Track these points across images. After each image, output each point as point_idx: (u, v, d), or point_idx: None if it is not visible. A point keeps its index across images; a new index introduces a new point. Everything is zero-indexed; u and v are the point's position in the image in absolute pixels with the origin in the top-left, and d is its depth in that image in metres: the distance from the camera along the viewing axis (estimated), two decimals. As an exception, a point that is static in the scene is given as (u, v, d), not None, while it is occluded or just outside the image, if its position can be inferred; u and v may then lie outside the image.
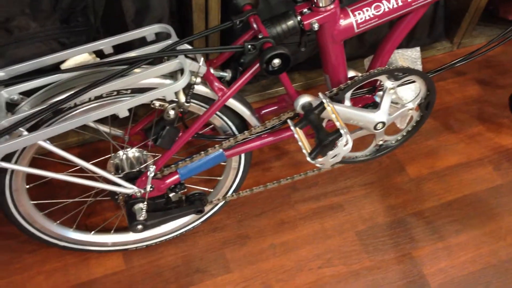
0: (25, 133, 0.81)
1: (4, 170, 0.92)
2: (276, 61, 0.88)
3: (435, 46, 1.78)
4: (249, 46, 0.90)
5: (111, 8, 1.11)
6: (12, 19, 1.05)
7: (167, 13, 1.20)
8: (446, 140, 1.54)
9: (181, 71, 0.88)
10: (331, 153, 0.88)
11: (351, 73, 1.14)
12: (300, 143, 0.93)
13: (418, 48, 1.34)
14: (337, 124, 0.90)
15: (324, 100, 0.93)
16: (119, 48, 0.94)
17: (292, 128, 0.95)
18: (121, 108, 0.84)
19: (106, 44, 0.93)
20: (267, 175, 1.41)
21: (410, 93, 1.20)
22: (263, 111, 1.13)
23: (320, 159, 0.90)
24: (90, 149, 1.38)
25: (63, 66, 0.90)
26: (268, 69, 0.89)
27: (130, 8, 1.14)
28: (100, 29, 1.13)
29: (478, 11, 1.68)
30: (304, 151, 0.91)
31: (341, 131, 0.89)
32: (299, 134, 0.94)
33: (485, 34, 1.84)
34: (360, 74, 1.14)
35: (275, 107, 1.14)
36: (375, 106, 1.13)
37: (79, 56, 0.91)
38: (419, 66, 1.33)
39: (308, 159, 0.89)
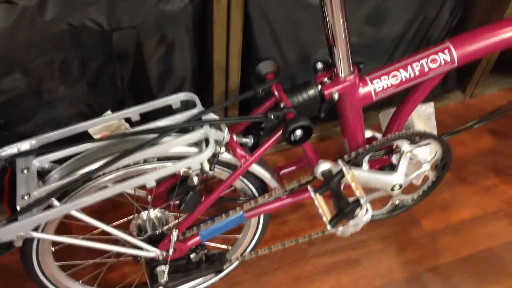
0: (57, 203, 0.84)
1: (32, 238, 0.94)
2: (299, 132, 0.91)
3: (448, 96, 1.81)
4: (272, 117, 0.93)
5: (136, 71, 1.16)
6: (42, 82, 1.09)
7: (190, 74, 1.24)
8: (460, 193, 1.55)
9: (206, 140, 0.91)
10: (351, 223, 0.90)
11: (368, 133, 1.17)
12: (320, 210, 0.95)
13: (432, 104, 1.37)
14: (357, 193, 0.92)
15: (343, 169, 0.96)
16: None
17: (312, 195, 0.98)
18: (150, 179, 0.87)
19: (133, 112, 0.96)
20: (283, 229, 1.42)
21: (427, 151, 1.22)
22: (282, 172, 1.15)
23: (340, 228, 0.92)
24: (110, 204, 1.40)
25: (92, 131, 0.93)
26: (291, 139, 0.92)
27: (154, 71, 1.18)
28: (125, 91, 1.18)
29: (489, 63, 1.72)
30: (324, 219, 0.93)
31: (361, 201, 0.91)
32: (319, 200, 0.96)
33: (497, 84, 1.88)
34: (377, 134, 1.18)
35: (294, 167, 1.17)
36: (392, 167, 1.15)
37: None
38: (433, 122, 1.36)
39: (329, 227, 0.91)
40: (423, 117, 1.36)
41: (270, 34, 1.29)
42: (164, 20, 1.10)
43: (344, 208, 0.91)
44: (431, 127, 1.32)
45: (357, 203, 0.91)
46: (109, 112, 1.01)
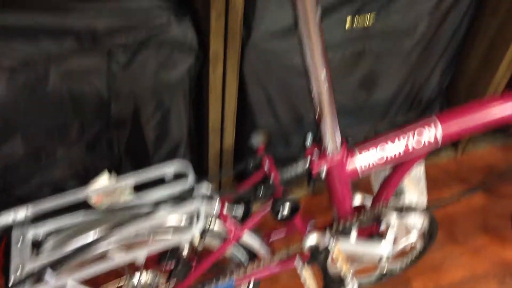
0: (50, 277, 0.86)
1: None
2: (286, 211, 0.94)
3: (439, 152, 1.84)
4: (261, 193, 0.96)
5: (133, 135, 1.20)
6: (41, 146, 1.13)
7: (185, 136, 1.28)
8: (450, 252, 1.57)
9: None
10: (337, 304, 0.92)
11: (357, 199, 1.20)
12: (306, 285, 0.97)
13: (422, 166, 1.40)
14: (342, 271, 0.94)
15: (329, 246, 0.98)
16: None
17: (299, 270, 1.00)
18: (141, 256, 0.89)
19: (128, 179, 0.99)
20: (275, 287, 1.44)
21: (415, 217, 1.25)
22: (272, 238, 1.17)
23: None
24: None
25: (90, 192, 0.96)
26: (278, 217, 0.95)
27: (151, 135, 1.22)
28: (122, 154, 1.21)
29: (481, 122, 1.76)
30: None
31: (346, 280, 0.93)
32: (306, 274, 0.98)
33: (489, 140, 1.91)
34: (367, 198, 1.20)
35: (284, 231, 1.19)
36: (379, 235, 1.18)
37: (103, 180, 0.98)
38: (422, 185, 1.39)
39: (314, 306, 0.93)
40: (413, 180, 1.39)
41: (265, 98, 1.33)
42: (162, 88, 1.14)
43: (330, 283, 0.94)
44: (421, 190, 1.34)
45: (342, 282, 0.93)
46: (105, 173, 1.05)
